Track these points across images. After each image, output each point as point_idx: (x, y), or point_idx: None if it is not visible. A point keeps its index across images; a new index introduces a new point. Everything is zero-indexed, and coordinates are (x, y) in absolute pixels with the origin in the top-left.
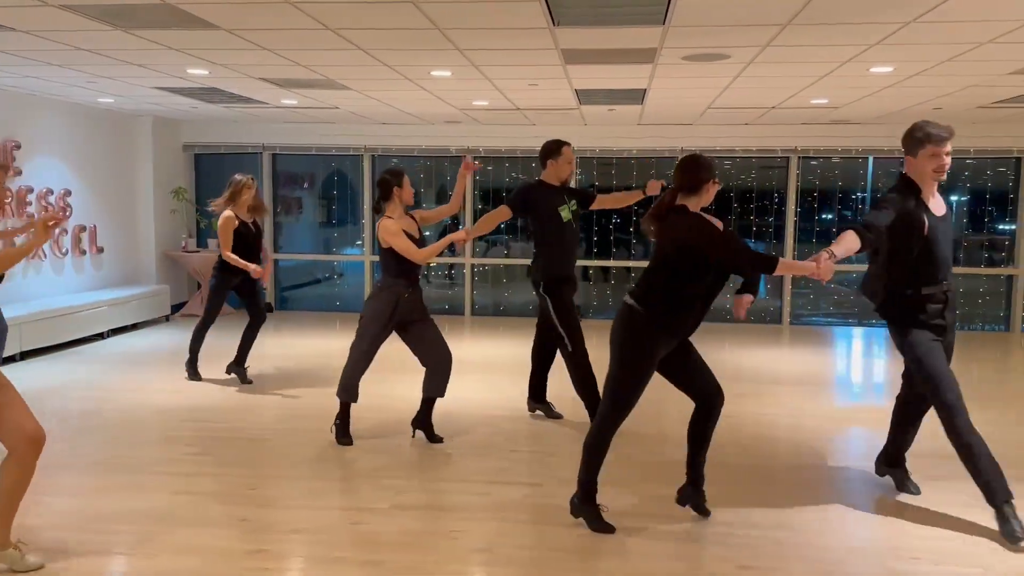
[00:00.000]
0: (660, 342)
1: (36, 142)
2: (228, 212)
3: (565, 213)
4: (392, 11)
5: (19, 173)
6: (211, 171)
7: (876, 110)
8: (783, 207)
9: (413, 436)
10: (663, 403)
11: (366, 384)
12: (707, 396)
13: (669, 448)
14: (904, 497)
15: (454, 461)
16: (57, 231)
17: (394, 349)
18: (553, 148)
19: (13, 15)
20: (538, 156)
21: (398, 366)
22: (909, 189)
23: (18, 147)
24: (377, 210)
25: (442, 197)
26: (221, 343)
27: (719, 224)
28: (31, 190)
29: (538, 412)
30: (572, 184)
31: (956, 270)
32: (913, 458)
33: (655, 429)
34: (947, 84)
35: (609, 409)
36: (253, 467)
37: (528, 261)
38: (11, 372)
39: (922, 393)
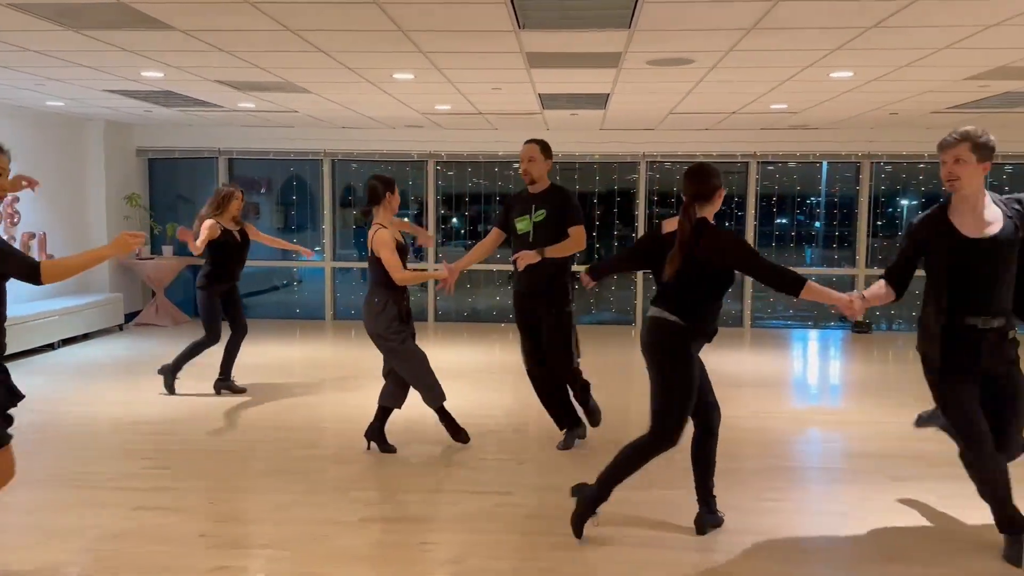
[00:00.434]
0: (699, 349)
1: None
2: (211, 221)
3: (522, 224)
4: (355, 12)
5: None
6: (166, 176)
7: (833, 115)
8: (742, 212)
9: (368, 448)
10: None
11: (330, 393)
12: (706, 413)
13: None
14: (873, 498)
15: (422, 471)
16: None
17: (357, 357)
18: None
19: None
20: None
21: (364, 374)
22: (941, 207)
23: None
24: (365, 215)
25: (403, 202)
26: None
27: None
28: None
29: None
30: (539, 186)
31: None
32: (881, 459)
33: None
34: (904, 89)
35: (669, 426)
36: (214, 480)
37: (506, 267)
38: None
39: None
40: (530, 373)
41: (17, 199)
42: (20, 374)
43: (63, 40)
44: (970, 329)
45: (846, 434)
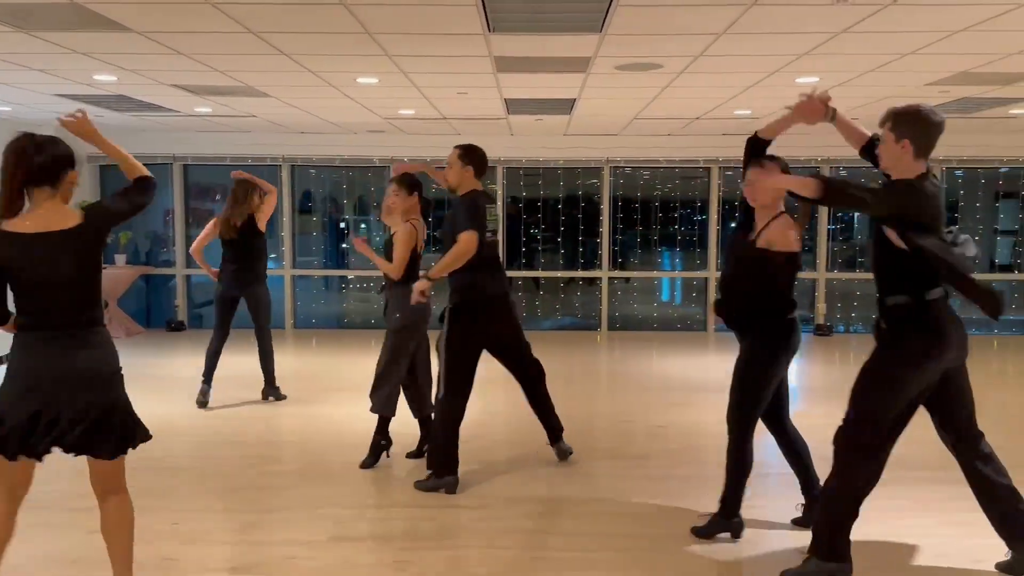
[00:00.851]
0: None
1: None
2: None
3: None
4: (322, 14)
5: None
6: (117, 184)
7: None
8: (705, 216)
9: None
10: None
11: (291, 406)
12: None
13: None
14: None
15: (394, 485)
16: None
17: (318, 367)
18: None
19: None
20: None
21: (325, 386)
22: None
23: None
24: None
25: (363, 208)
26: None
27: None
28: None
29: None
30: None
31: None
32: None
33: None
34: (866, 95)
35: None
36: (175, 500)
37: None
38: None
39: None
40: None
41: None
42: None
43: (13, 42)
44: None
45: (811, 438)
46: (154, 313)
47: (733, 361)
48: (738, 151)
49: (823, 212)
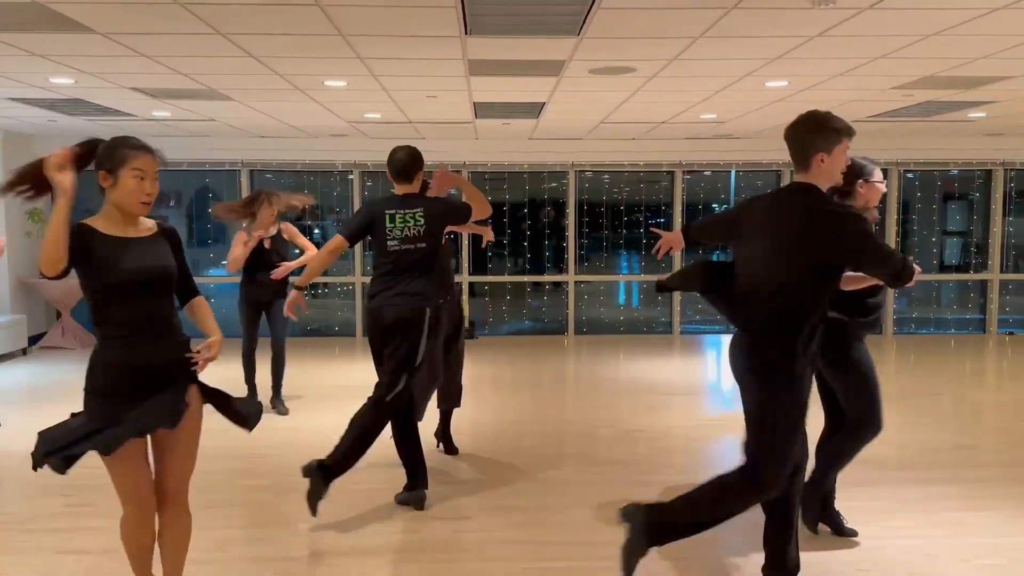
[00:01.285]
0: None
1: None
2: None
3: None
4: (295, 15)
5: None
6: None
7: (758, 125)
8: (667, 219)
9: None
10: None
11: (264, 417)
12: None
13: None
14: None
15: (374, 498)
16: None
17: (290, 377)
18: None
19: None
20: (415, 166)
21: (300, 395)
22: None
23: None
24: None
25: (324, 213)
26: None
27: None
28: None
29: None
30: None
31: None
32: None
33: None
34: (833, 98)
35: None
36: None
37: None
38: None
39: None
40: None
41: None
42: None
43: None
44: None
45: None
46: None
47: (698, 363)
48: (702, 155)
49: None
